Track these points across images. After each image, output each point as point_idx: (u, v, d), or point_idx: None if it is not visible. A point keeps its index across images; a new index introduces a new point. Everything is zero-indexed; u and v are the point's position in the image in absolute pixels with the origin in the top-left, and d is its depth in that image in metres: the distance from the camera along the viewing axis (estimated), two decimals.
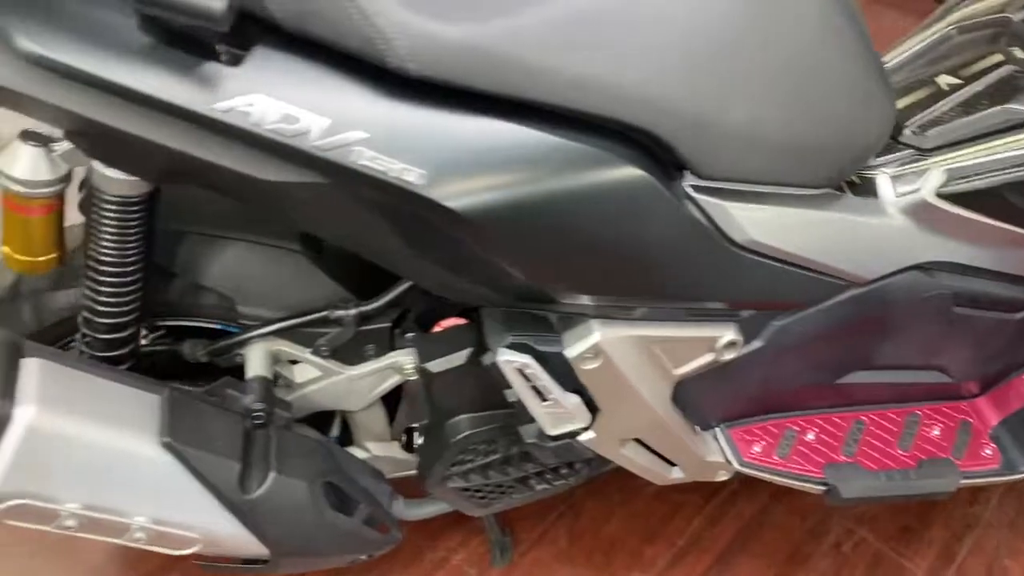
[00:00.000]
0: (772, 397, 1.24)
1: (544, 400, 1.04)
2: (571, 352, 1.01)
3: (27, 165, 0.89)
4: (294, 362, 1.18)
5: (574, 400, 1.06)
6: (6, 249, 0.96)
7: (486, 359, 1.01)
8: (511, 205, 0.84)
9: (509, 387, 1.03)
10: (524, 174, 0.83)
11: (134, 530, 0.97)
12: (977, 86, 1.12)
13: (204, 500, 0.99)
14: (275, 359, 1.14)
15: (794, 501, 1.59)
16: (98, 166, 0.91)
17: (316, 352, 1.16)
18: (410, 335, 1.15)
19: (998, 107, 1.06)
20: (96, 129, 0.78)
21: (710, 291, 1.02)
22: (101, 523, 0.95)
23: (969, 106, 1.09)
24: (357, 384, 1.20)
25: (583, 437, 1.11)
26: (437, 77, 0.77)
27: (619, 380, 1.05)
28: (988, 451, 1.28)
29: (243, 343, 1.13)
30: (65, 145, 0.91)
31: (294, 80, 0.77)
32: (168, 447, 0.95)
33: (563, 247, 0.90)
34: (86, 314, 1.02)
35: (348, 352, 1.17)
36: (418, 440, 1.22)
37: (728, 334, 1.07)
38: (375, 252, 0.97)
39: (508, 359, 0.99)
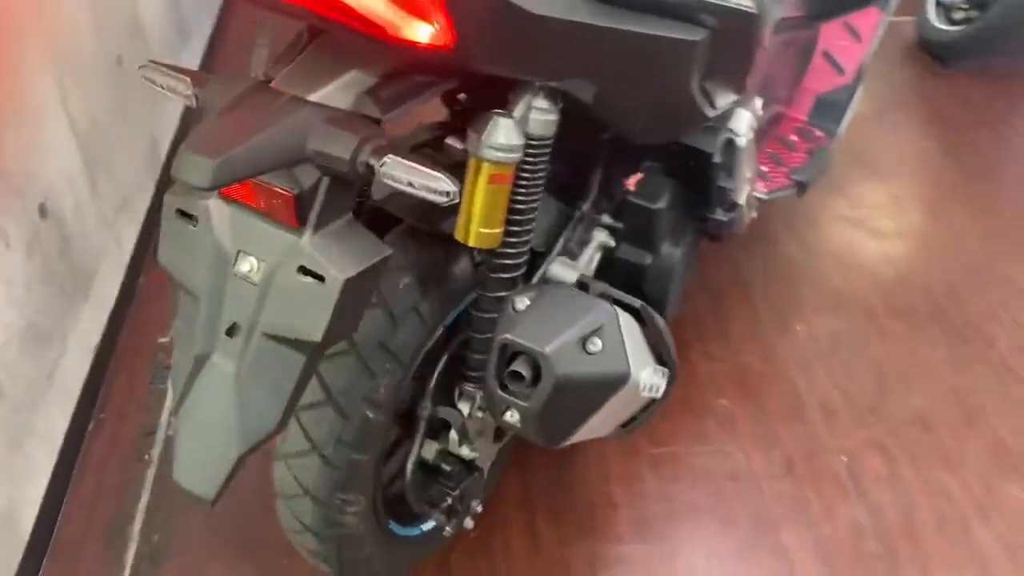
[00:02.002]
0: None
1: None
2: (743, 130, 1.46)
3: (508, 133, 1.01)
4: None
5: None
6: (479, 228, 1.04)
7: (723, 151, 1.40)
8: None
9: (725, 175, 1.44)
10: None
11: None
12: None
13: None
14: None
15: None
16: (536, 112, 1.06)
17: (569, 255, 1.39)
18: (632, 193, 1.44)
19: None
20: None
21: (760, 67, 1.56)
22: None
23: None
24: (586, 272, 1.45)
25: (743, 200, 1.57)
26: None
27: (752, 145, 1.54)
28: (819, 133, 2.06)
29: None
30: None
31: None
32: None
33: None
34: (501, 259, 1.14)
35: (578, 247, 1.43)
36: None
37: (759, 101, 1.62)
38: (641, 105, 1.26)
39: (742, 143, 1.40)
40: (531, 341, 1.04)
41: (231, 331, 0.95)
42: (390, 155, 0.87)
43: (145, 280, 2.14)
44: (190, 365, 0.98)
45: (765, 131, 2.00)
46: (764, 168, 1.89)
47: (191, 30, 2.76)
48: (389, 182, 0.87)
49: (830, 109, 2.08)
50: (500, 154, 1.01)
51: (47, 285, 1.62)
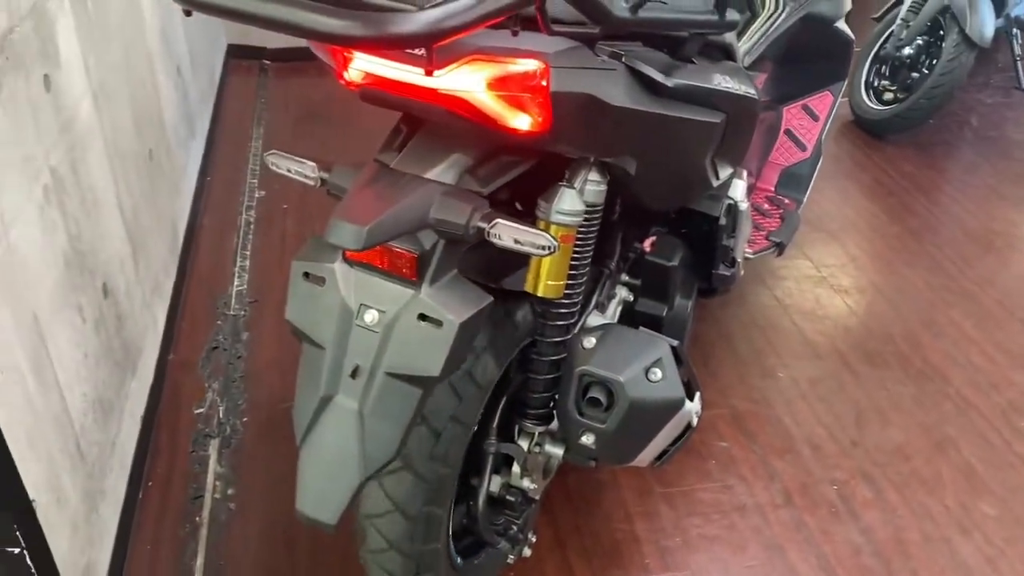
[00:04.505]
0: None
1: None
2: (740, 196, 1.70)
3: (573, 200, 1.22)
4: None
5: None
6: (547, 281, 1.24)
7: (727, 214, 1.63)
8: None
9: (728, 235, 1.67)
10: None
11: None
12: None
13: None
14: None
15: None
16: (590, 183, 1.28)
17: (600, 309, 1.59)
18: (649, 253, 1.65)
19: None
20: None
21: None
22: None
23: None
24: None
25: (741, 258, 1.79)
26: None
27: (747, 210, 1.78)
28: (788, 200, 2.32)
29: None
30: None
31: None
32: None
33: None
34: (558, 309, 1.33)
35: (607, 302, 1.63)
36: None
37: (746, 171, 1.87)
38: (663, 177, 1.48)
39: (742, 207, 1.64)
40: (608, 371, 1.23)
41: (354, 373, 1.12)
42: (498, 220, 1.06)
43: (175, 357, 2.27)
44: (314, 405, 1.14)
45: None
46: None
47: (196, 126, 2.95)
48: (496, 241, 1.07)
49: (795, 180, 2.35)
50: (566, 218, 1.22)
51: (108, 359, 1.75)
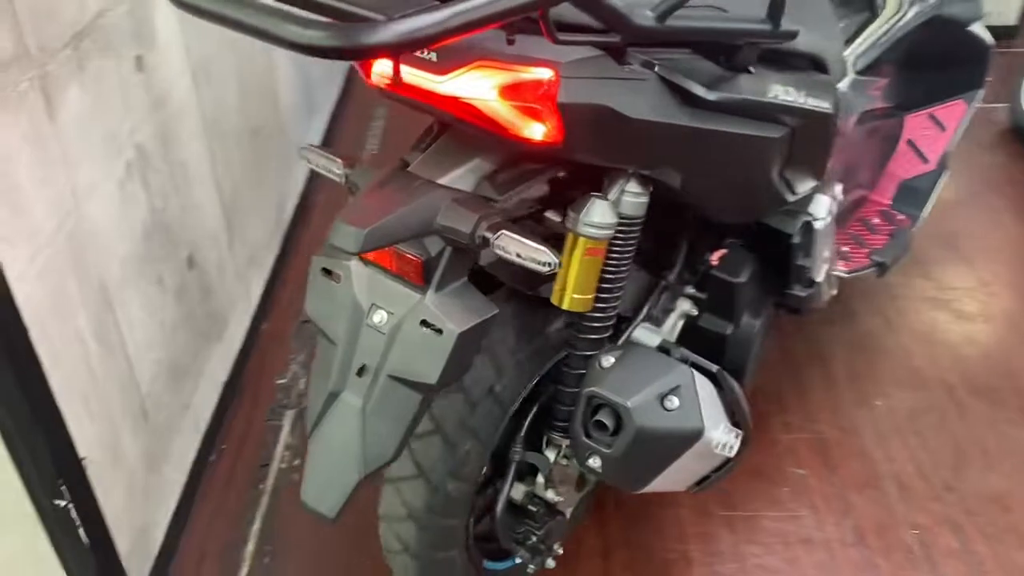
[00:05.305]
0: None
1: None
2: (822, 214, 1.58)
3: (603, 213, 1.17)
4: None
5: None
6: (572, 294, 1.20)
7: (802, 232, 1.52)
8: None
9: (803, 255, 1.55)
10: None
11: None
12: None
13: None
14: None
15: None
16: (628, 195, 1.22)
17: (654, 322, 1.53)
18: (715, 267, 1.56)
19: None
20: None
21: (838, 156, 1.68)
22: None
23: None
24: (669, 338, 1.58)
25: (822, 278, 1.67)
26: None
27: (831, 228, 1.65)
28: (901, 216, 2.15)
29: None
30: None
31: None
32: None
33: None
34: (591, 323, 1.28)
35: (662, 315, 1.56)
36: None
37: (839, 186, 1.74)
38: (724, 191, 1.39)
39: (819, 226, 1.52)
40: (615, 394, 1.17)
41: (361, 372, 1.12)
42: (503, 231, 1.03)
43: (268, 327, 2.36)
44: (324, 399, 1.16)
45: (848, 213, 2.10)
46: (845, 248, 1.99)
47: (317, 107, 3.05)
48: (500, 253, 1.04)
49: (913, 194, 2.17)
50: (595, 231, 1.17)
51: (188, 327, 1.84)
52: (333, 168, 1.19)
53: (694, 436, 1.23)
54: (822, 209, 1.57)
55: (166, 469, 1.73)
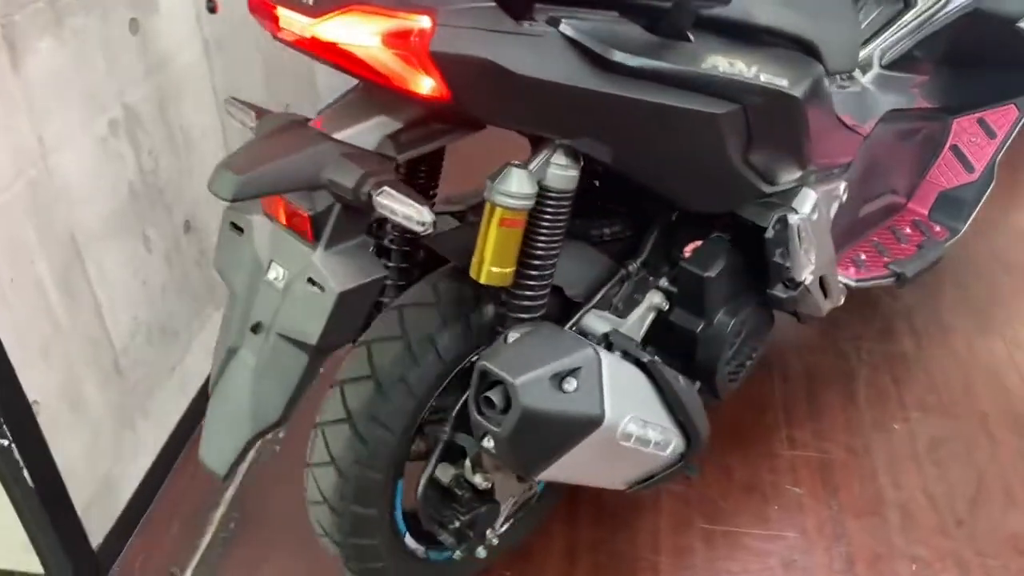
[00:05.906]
0: (842, 232, 1.79)
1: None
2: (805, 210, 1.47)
3: (520, 182, 1.11)
4: None
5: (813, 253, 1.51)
6: (490, 267, 1.14)
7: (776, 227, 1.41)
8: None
9: (781, 252, 1.44)
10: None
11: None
12: None
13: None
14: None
15: None
16: (554, 167, 1.16)
17: (613, 311, 1.45)
18: (685, 259, 1.48)
19: None
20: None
21: (840, 151, 1.55)
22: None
23: None
24: (633, 330, 1.50)
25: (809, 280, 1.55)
26: None
27: (821, 227, 1.53)
28: (938, 228, 1.98)
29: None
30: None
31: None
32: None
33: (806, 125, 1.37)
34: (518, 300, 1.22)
35: (625, 305, 1.48)
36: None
37: (843, 184, 1.61)
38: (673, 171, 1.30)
39: (796, 221, 1.41)
40: (504, 370, 1.11)
41: (256, 328, 1.10)
42: (386, 187, 0.99)
43: None
44: (223, 355, 1.14)
45: (877, 219, 1.95)
46: (862, 255, 1.85)
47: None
48: (381, 211, 0.99)
49: (954, 206, 2.00)
50: (510, 200, 1.11)
51: (180, 290, 1.87)
52: (246, 120, 1.17)
53: (591, 423, 1.15)
54: (807, 204, 1.46)
55: (142, 427, 1.76)
